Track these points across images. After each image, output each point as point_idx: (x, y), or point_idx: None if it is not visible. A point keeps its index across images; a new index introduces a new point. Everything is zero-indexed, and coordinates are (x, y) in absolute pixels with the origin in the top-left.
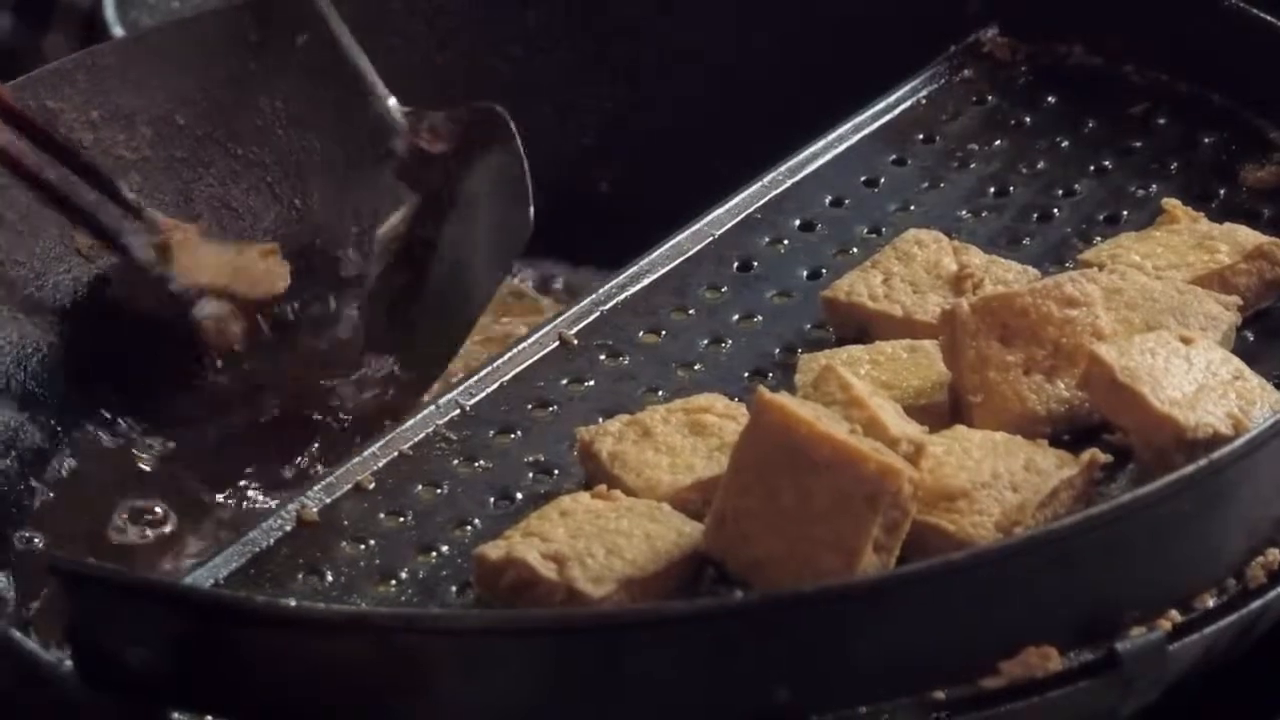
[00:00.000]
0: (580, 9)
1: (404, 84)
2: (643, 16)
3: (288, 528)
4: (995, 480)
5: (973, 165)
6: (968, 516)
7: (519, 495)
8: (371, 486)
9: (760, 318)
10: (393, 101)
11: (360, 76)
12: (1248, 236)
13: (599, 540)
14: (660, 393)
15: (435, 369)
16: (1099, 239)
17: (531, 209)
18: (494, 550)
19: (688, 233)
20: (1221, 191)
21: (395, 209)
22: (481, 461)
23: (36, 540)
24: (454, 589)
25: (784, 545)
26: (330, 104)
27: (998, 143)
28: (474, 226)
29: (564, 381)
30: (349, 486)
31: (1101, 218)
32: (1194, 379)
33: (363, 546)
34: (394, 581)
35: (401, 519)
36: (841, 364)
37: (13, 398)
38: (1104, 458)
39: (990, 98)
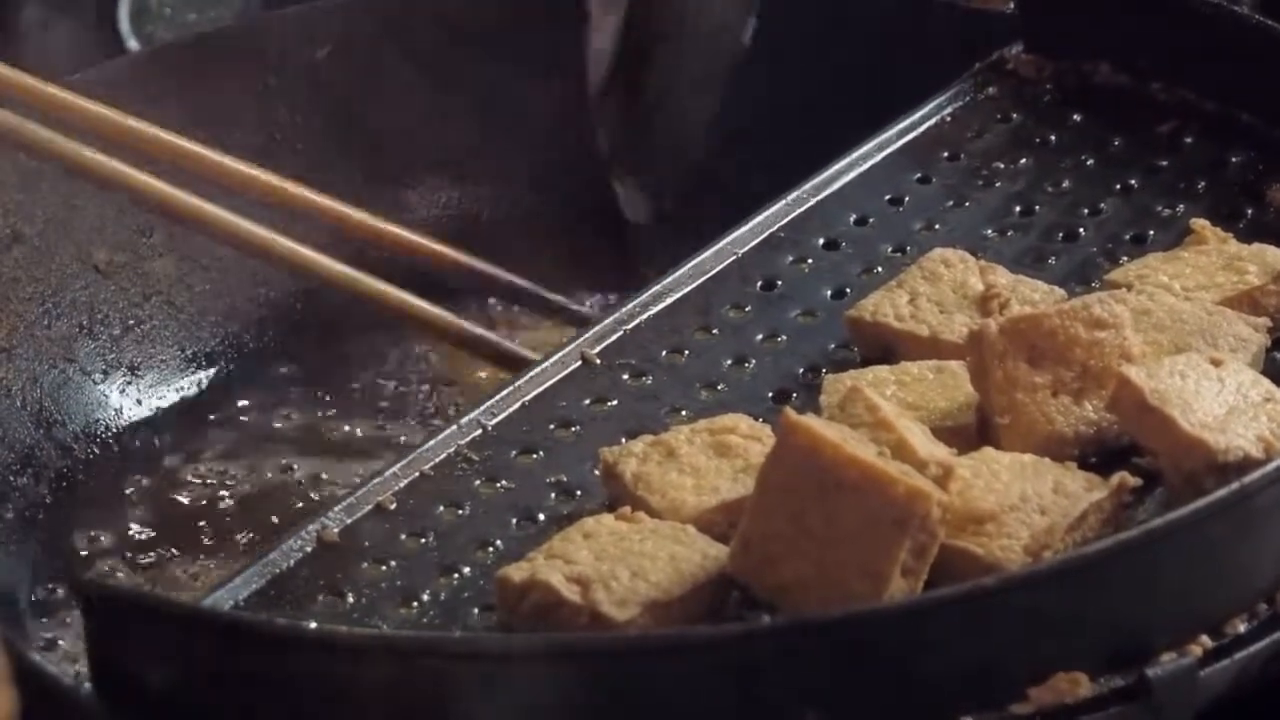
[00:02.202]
0: None
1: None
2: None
3: (308, 549)
4: (1024, 503)
5: (998, 184)
6: (996, 540)
7: (542, 516)
8: (393, 507)
9: (784, 337)
10: None
11: None
12: (1277, 257)
13: (623, 563)
14: (684, 413)
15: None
16: (1125, 259)
17: None
18: (517, 572)
19: (711, 251)
20: (1250, 211)
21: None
22: (504, 482)
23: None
24: (476, 611)
25: (811, 569)
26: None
27: (1023, 161)
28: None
29: (587, 401)
30: (370, 507)
31: (1128, 237)
32: (1224, 401)
33: (384, 568)
34: (416, 603)
35: (423, 540)
36: (868, 385)
37: (29, 416)
38: (1133, 481)
39: (1015, 116)
